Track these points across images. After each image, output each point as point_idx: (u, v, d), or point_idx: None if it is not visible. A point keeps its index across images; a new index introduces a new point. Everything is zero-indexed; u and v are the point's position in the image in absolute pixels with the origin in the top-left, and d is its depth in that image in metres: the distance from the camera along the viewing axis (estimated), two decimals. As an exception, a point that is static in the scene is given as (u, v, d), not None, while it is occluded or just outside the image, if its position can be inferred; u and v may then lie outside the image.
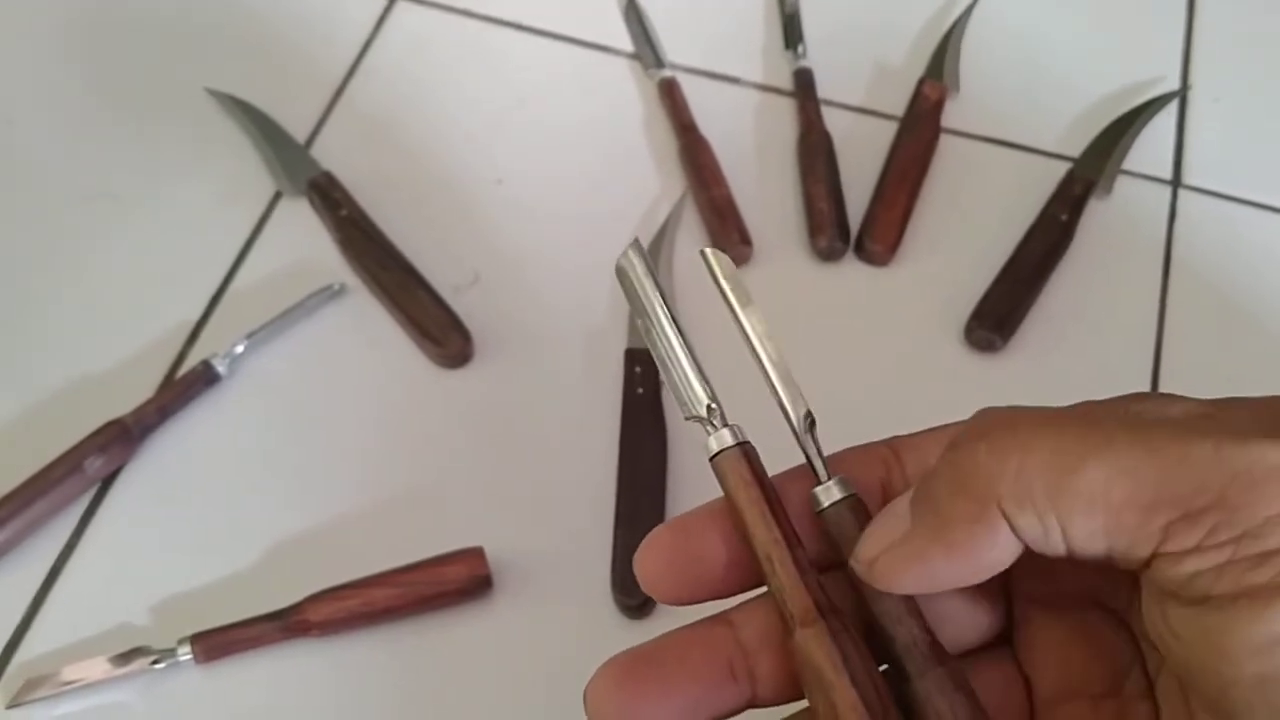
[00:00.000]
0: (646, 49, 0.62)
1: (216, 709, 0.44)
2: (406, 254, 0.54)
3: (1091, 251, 0.56)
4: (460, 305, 0.53)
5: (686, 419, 0.26)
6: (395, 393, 0.52)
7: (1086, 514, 0.21)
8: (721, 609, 0.27)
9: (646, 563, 0.25)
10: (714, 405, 0.26)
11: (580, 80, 0.62)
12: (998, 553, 0.22)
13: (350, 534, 0.48)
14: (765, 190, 0.58)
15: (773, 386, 0.26)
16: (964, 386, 0.52)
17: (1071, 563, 0.22)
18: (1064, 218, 0.56)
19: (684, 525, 0.26)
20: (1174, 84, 0.63)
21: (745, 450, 0.25)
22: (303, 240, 0.55)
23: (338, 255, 0.55)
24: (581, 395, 0.52)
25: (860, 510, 0.25)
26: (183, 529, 0.48)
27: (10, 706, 0.43)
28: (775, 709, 0.26)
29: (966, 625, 0.26)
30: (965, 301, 0.54)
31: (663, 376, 0.27)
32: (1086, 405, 0.25)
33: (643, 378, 0.51)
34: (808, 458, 0.26)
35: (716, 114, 0.59)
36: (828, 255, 0.56)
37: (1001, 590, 0.26)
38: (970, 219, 0.58)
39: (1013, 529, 0.22)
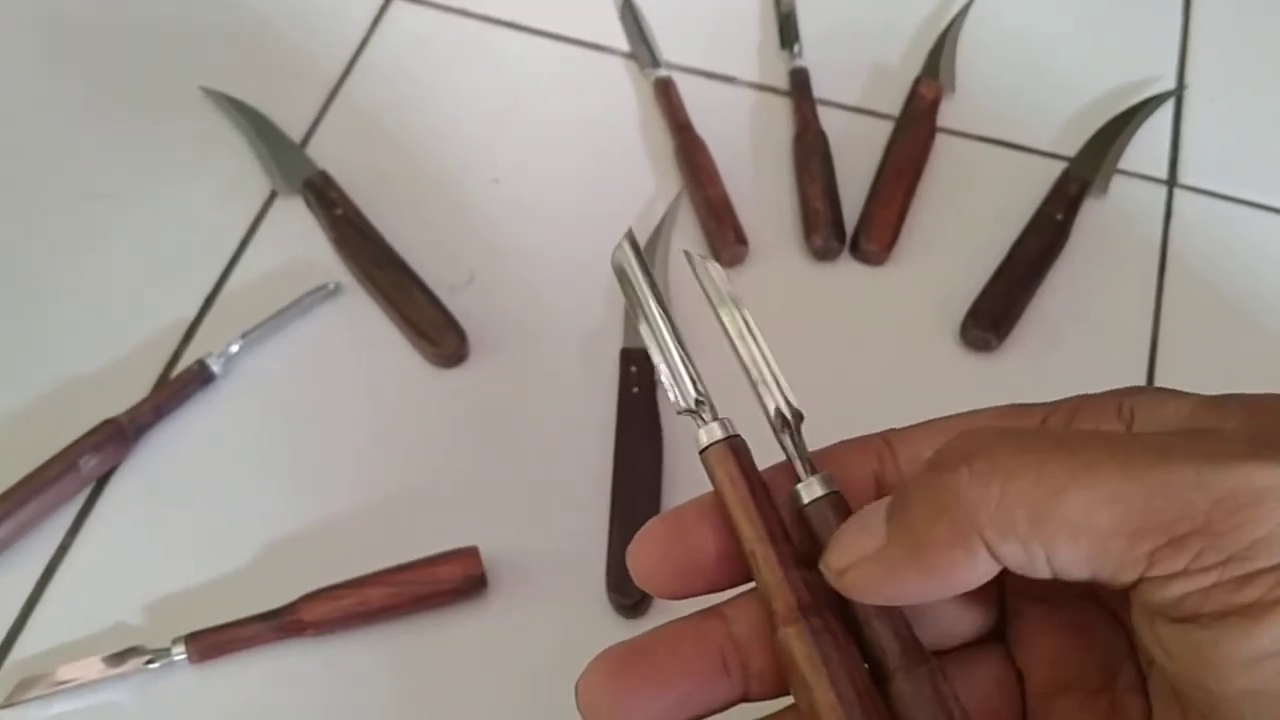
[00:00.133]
0: (642, 48, 0.62)
1: (211, 709, 0.44)
2: (402, 253, 0.54)
3: (1087, 251, 0.56)
4: (455, 304, 0.53)
5: (679, 413, 0.26)
6: (390, 392, 0.52)
7: (1071, 541, 0.21)
8: (715, 603, 0.26)
9: (640, 555, 0.25)
10: (703, 399, 0.26)
11: (576, 79, 0.62)
12: (975, 576, 0.22)
13: (345, 533, 0.48)
14: (761, 189, 0.58)
15: (751, 384, 0.26)
16: (959, 386, 0.52)
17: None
18: (1059, 217, 0.56)
19: (678, 518, 0.26)
20: (1170, 83, 0.63)
21: (733, 445, 0.25)
22: (298, 239, 0.55)
23: (333, 254, 0.55)
24: (577, 395, 0.52)
25: (841, 507, 0.25)
26: (177, 528, 0.48)
27: (4, 706, 0.43)
28: (769, 703, 0.26)
29: (959, 620, 0.26)
30: (961, 301, 0.54)
31: (656, 369, 0.27)
32: (1079, 400, 0.25)
33: (638, 377, 0.51)
34: (786, 455, 0.26)
35: (712, 113, 0.59)
36: (823, 255, 0.56)
37: (995, 584, 0.26)
38: (966, 218, 0.58)
39: (994, 556, 0.21)
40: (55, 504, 0.48)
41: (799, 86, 0.60)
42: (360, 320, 0.53)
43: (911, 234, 0.56)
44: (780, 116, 0.60)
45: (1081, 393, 0.25)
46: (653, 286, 0.27)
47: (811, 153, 0.58)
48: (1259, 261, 0.57)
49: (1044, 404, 0.25)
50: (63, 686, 0.43)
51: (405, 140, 0.59)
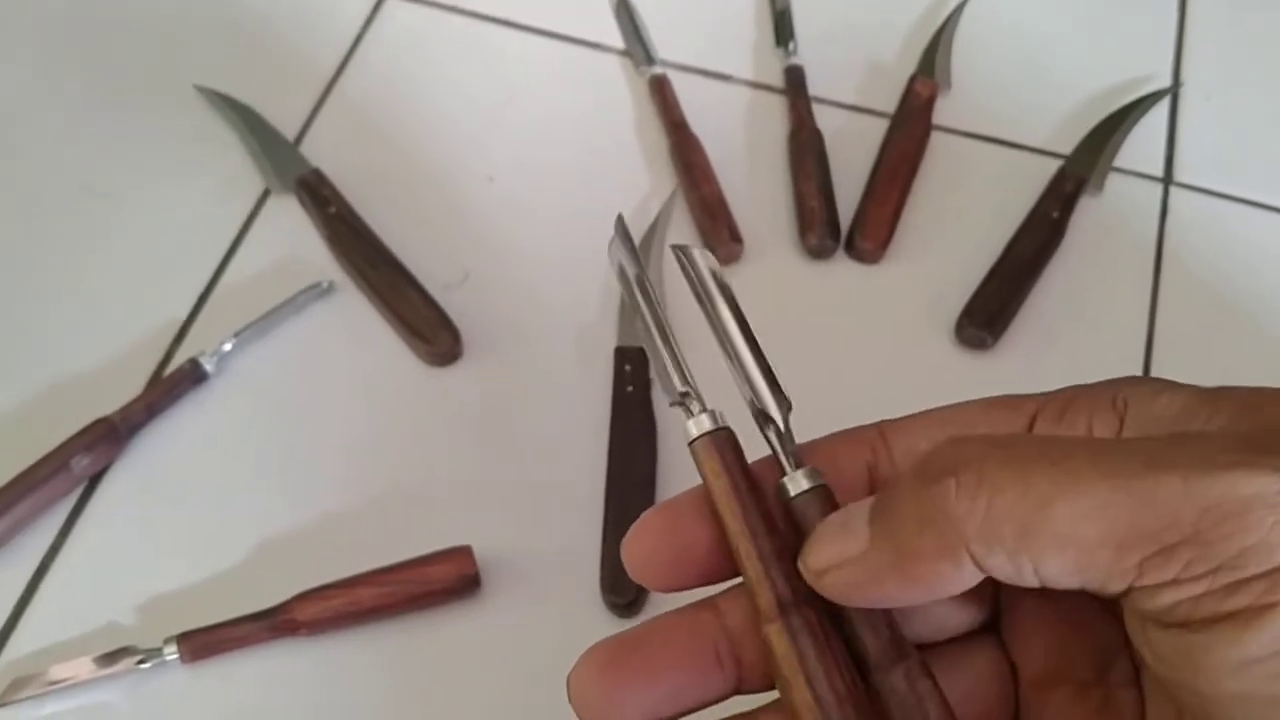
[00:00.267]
0: (637, 46, 0.62)
1: (203, 709, 0.44)
2: (396, 252, 0.54)
3: (1083, 249, 0.56)
4: (449, 303, 0.52)
5: (671, 404, 0.26)
6: (384, 391, 0.52)
7: (1059, 553, 0.20)
8: (709, 595, 0.26)
9: (635, 548, 0.25)
10: (690, 390, 0.26)
11: (571, 77, 0.62)
12: (959, 585, 0.22)
13: (338, 533, 0.48)
14: (756, 188, 0.58)
15: (735, 374, 0.26)
16: (954, 384, 0.51)
17: None
18: (1055, 215, 0.56)
19: (672, 510, 0.25)
20: (1165, 81, 0.62)
21: (718, 438, 0.25)
22: (291, 238, 0.55)
23: (326, 253, 0.55)
24: (571, 393, 0.51)
25: (827, 501, 0.25)
26: (170, 528, 0.48)
27: (-4, 706, 0.43)
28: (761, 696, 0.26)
29: (953, 614, 0.26)
30: (956, 299, 0.54)
31: (650, 361, 0.27)
32: (1074, 390, 0.25)
33: (633, 376, 0.51)
34: (771, 448, 0.26)
35: (707, 111, 0.59)
36: (818, 253, 0.55)
37: (989, 579, 0.26)
38: (961, 216, 0.57)
39: (980, 568, 0.21)
40: (47, 503, 0.47)
41: (794, 84, 0.60)
42: (354, 319, 0.53)
43: (907, 232, 0.56)
44: (775, 114, 0.60)
45: None
46: (641, 275, 0.27)
47: (806, 150, 0.57)
48: (1255, 259, 0.57)
49: (1038, 395, 0.25)
50: (55, 686, 0.43)
51: (399, 138, 0.59)
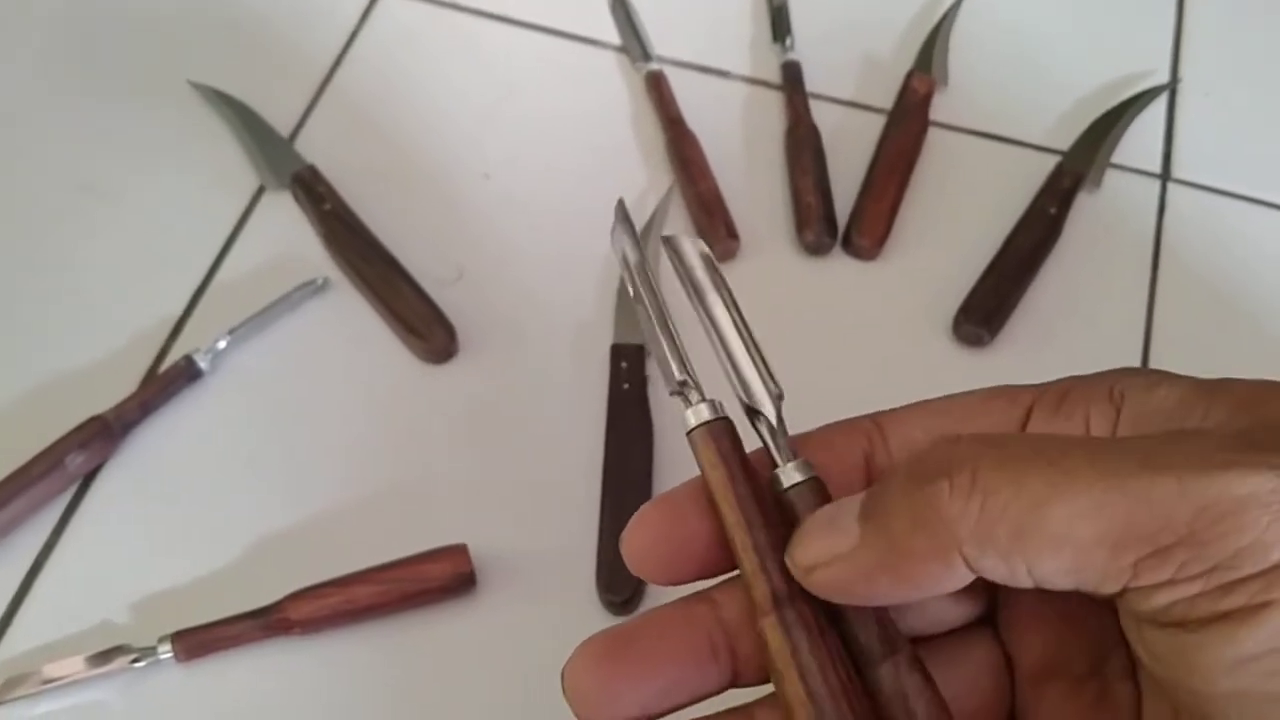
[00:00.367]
0: (633, 42, 0.62)
1: (197, 708, 0.44)
2: (391, 248, 0.54)
3: (1080, 245, 0.56)
4: (445, 300, 0.52)
5: (671, 394, 0.26)
6: (379, 388, 0.51)
7: (1053, 554, 0.20)
8: (704, 588, 0.26)
9: (634, 542, 0.25)
10: (689, 379, 0.25)
11: (567, 73, 0.61)
12: (951, 585, 0.22)
13: (333, 531, 0.48)
14: (752, 184, 0.57)
15: (723, 365, 0.26)
16: (952, 381, 0.51)
17: None
18: (1053, 211, 0.56)
19: (670, 502, 0.25)
20: (1164, 77, 0.62)
21: (716, 428, 0.25)
22: (286, 235, 0.55)
23: (321, 250, 0.54)
24: (567, 391, 0.51)
25: (819, 493, 0.24)
26: (164, 526, 0.48)
27: (-11, 705, 0.43)
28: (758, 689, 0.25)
29: (950, 607, 0.26)
30: (953, 296, 0.54)
31: (650, 351, 0.26)
32: (1070, 382, 0.25)
33: (629, 373, 0.51)
34: (762, 441, 0.25)
35: (704, 107, 0.59)
36: (815, 249, 0.55)
37: None
38: (958, 213, 0.57)
39: (972, 569, 0.21)
40: (41, 501, 0.47)
41: (791, 80, 0.60)
42: (349, 316, 0.53)
43: (904, 229, 0.56)
44: (772, 110, 0.60)
45: None
46: (642, 263, 0.26)
47: (803, 147, 0.57)
48: (1253, 256, 0.57)
49: (1034, 386, 0.25)
50: (48, 685, 0.43)
51: (395, 134, 0.59)
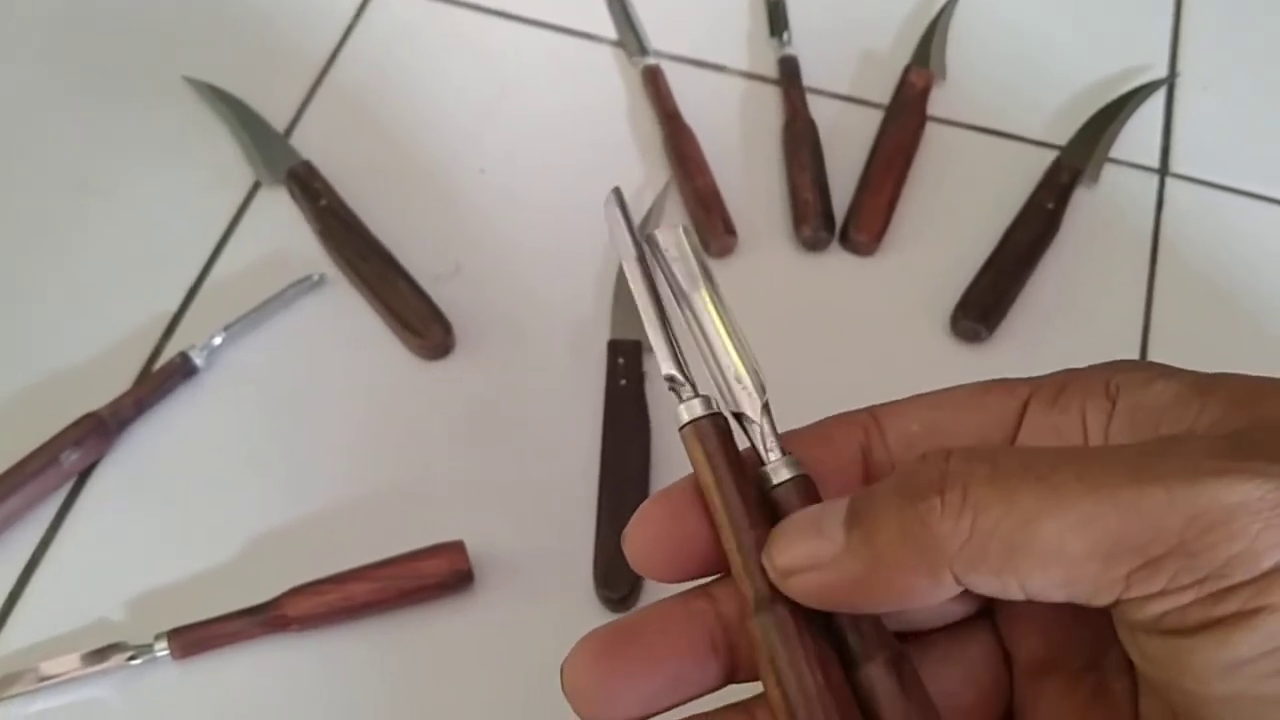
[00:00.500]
0: (630, 36, 0.61)
1: (194, 705, 0.44)
2: (387, 244, 0.53)
3: (1078, 240, 0.56)
4: (441, 296, 0.52)
5: (670, 389, 0.26)
6: (375, 385, 0.51)
7: (1044, 570, 0.20)
8: (703, 583, 0.26)
9: (636, 539, 0.25)
10: (680, 375, 0.25)
11: (563, 68, 0.61)
12: (937, 598, 0.22)
13: (329, 528, 0.48)
14: (750, 179, 0.57)
15: (707, 363, 0.26)
16: (949, 377, 0.51)
17: None
18: (1050, 206, 0.56)
19: (673, 497, 0.25)
20: (1162, 71, 0.62)
21: (705, 425, 0.24)
22: (282, 231, 0.55)
23: (317, 246, 0.54)
24: (564, 387, 0.51)
25: (807, 491, 0.24)
26: (160, 523, 0.48)
27: (-15, 703, 0.43)
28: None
29: (948, 601, 0.26)
30: (951, 291, 0.54)
31: (649, 342, 0.26)
32: (1066, 375, 0.25)
33: (626, 369, 0.51)
34: (750, 440, 0.25)
35: (701, 102, 0.59)
36: (812, 245, 0.55)
37: None
38: (956, 208, 0.57)
39: (962, 584, 0.21)
40: (36, 499, 0.47)
41: (788, 75, 0.60)
42: (345, 312, 0.53)
43: (901, 224, 0.56)
44: (769, 105, 0.60)
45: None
46: (640, 254, 0.26)
47: (801, 142, 0.57)
48: (1251, 251, 0.56)
49: (1032, 378, 0.25)
50: (45, 683, 0.43)
51: (391, 130, 0.59)
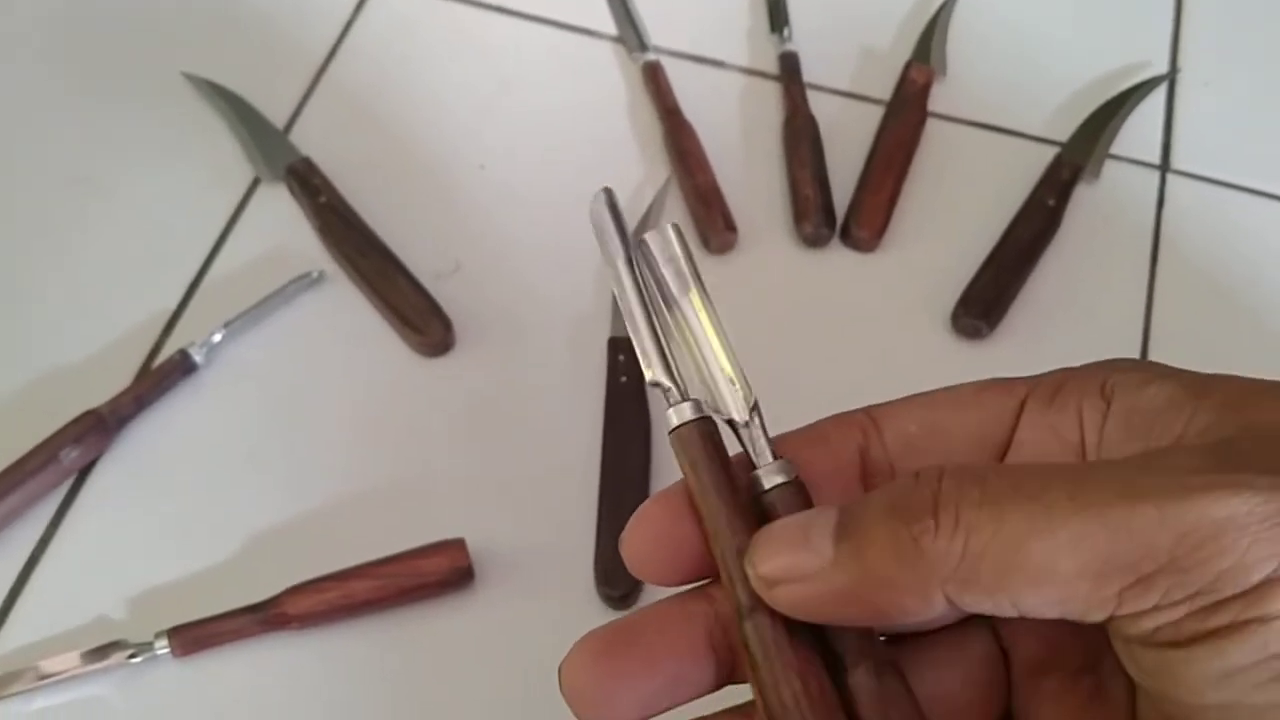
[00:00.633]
0: (630, 32, 0.61)
1: (195, 703, 0.44)
2: (387, 241, 0.53)
3: (1079, 237, 0.56)
4: (441, 293, 0.52)
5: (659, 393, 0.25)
6: (376, 382, 0.51)
7: (1036, 589, 0.20)
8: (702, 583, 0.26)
9: (634, 542, 0.25)
10: (668, 379, 0.25)
11: (563, 64, 0.61)
12: (924, 616, 0.22)
13: (330, 525, 0.47)
14: (750, 175, 0.57)
15: (699, 370, 0.25)
16: (950, 374, 0.51)
17: None
18: (1051, 203, 0.56)
19: (670, 500, 0.25)
20: (1163, 67, 0.62)
21: (693, 430, 0.24)
22: (281, 227, 0.55)
23: (317, 242, 0.54)
24: (565, 384, 0.51)
25: (799, 496, 0.24)
26: (160, 520, 0.48)
27: (-15, 701, 0.43)
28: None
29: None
30: (952, 288, 0.53)
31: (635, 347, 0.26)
32: (1064, 374, 0.25)
33: (627, 366, 0.51)
34: (742, 445, 0.25)
35: (701, 98, 0.59)
36: (813, 241, 0.55)
37: None
38: (957, 204, 0.57)
39: (953, 604, 0.21)
40: (36, 496, 0.47)
41: (789, 71, 0.60)
42: (345, 309, 0.53)
43: (902, 220, 0.56)
44: (770, 101, 0.60)
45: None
46: (629, 257, 0.26)
47: (801, 138, 0.57)
48: (1252, 247, 0.56)
49: (1029, 377, 0.25)
50: (45, 681, 0.43)
51: (390, 126, 0.58)
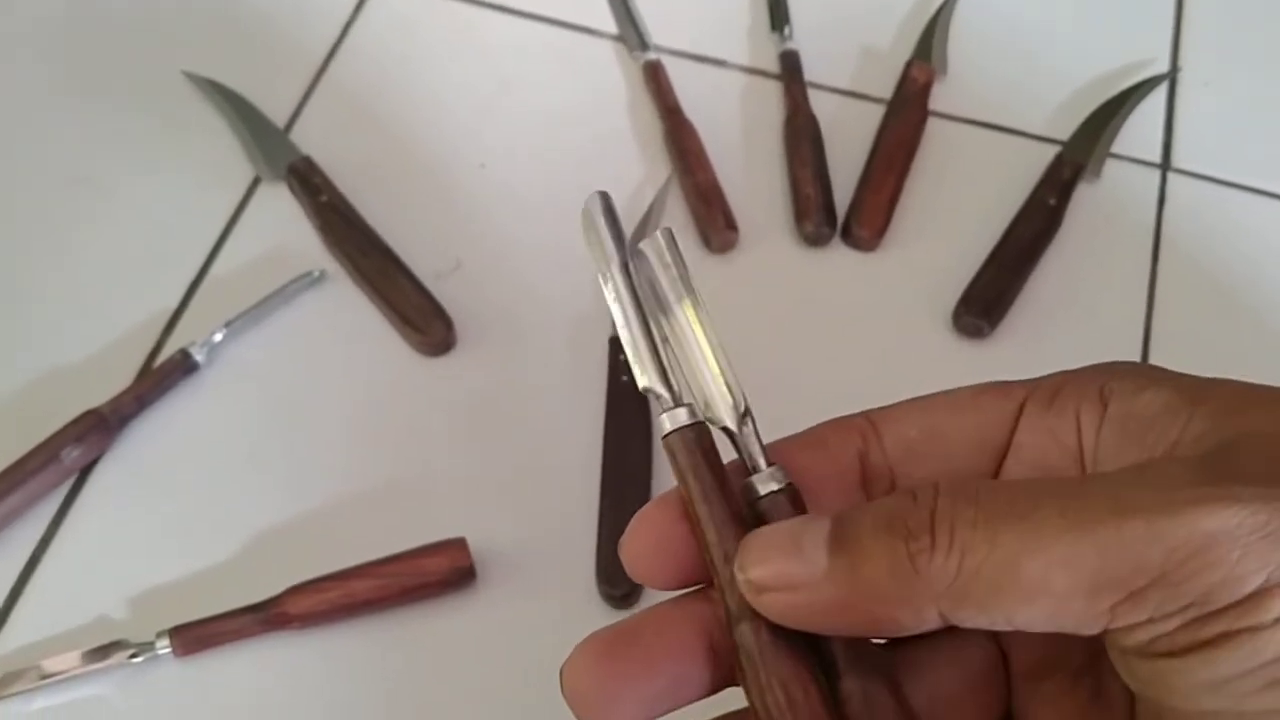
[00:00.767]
0: (631, 31, 0.61)
1: (196, 702, 0.44)
2: (388, 240, 0.53)
3: (1080, 236, 0.56)
4: (442, 292, 0.52)
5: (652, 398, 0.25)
6: (377, 381, 0.51)
7: (1030, 606, 0.21)
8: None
9: (634, 546, 0.25)
10: (661, 386, 0.25)
11: (564, 63, 0.61)
12: (915, 630, 0.22)
13: (331, 525, 0.47)
14: (751, 174, 0.57)
15: (694, 376, 0.25)
16: (951, 373, 0.51)
17: None
18: (1052, 202, 0.56)
19: (669, 504, 0.25)
20: (1164, 66, 0.62)
21: (681, 436, 0.24)
22: (282, 226, 0.55)
23: (318, 241, 0.54)
24: (566, 383, 0.51)
25: (793, 503, 0.24)
26: (161, 520, 0.48)
27: (-14, 701, 0.43)
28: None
29: None
30: (953, 287, 0.53)
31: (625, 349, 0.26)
32: (1063, 378, 0.25)
33: (627, 366, 0.50)
34: (738, 451, 0.25)
35: (702, 97, 0.59)
36: (814, 240, 0.55)
37: None
38: (958, 203, 0.57)
39: (947, 621, 0.21)
40: (37, 496, 0.47)
41: (789, 70, 0.60)
42: (346, 308, 0.53)
43: (903, 219, 0.56)
44: (771, 100, 0.60)
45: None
46: (620, 242, 0.26)
47: (802, 137, 0.57)
48: (1253, 246, 0.56)
49: (1028, 381, 0.25)
50: (46, 681, 0.43)
51: (391, 125, 0.58)
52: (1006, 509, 0.21)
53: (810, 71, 0.60)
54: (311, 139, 0.57)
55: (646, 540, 0.25)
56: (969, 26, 0.63)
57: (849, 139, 0.58)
